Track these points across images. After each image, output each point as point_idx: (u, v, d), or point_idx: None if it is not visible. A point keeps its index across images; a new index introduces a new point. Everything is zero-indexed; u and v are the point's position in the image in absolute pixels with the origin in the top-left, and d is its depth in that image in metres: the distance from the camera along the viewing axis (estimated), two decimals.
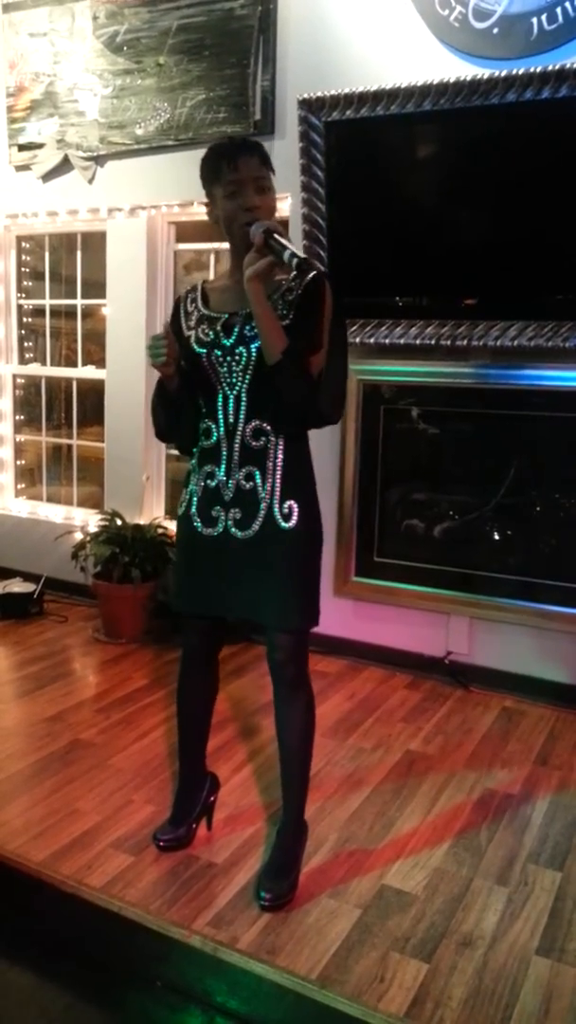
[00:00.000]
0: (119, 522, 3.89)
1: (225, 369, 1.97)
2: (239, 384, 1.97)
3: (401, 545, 3.45)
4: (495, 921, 2.00)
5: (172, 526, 4.01)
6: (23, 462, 4.74)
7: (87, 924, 2.05)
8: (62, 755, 2.71)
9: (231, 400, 1.99)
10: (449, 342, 3.16)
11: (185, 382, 2.03)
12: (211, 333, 1.99)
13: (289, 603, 1.99)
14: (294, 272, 1.88)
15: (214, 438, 2.02)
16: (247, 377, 1.96)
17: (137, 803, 2.44)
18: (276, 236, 1.83)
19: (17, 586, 4.10)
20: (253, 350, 1.93)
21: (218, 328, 1.98)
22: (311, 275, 1.93)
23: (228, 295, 2.02)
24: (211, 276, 3.97)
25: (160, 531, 3.88)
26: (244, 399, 1.97)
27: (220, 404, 2.00)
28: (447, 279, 3.20)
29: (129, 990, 1.96)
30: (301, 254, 1.82)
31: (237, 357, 1.96)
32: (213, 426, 2.02)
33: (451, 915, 2.01)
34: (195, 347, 2.00)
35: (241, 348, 1.95)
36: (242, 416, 1.98)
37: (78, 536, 3.97)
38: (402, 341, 3.22)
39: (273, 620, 2.02)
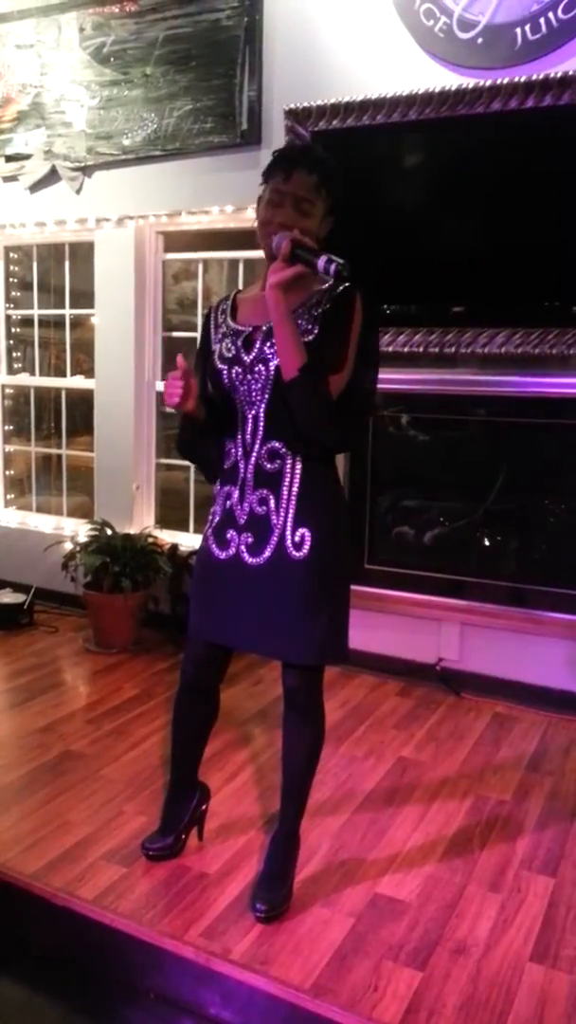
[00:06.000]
0: (109, 532, 3.88)
1: (245, 388, 1.90)
2: (258, 403, 1.89)
3: (392, 552, 3.46)
4: (488, 928, 2.00)
5: (162, 535, 4.02)
6: (12, 472, 4.73)
7: (79, 936, 2.04)
8: (53, 766, 2.70)
9: (249, 420, 1.91)
10: (437, 349, 3.18)
11: (212, 410, 1.96)
12: (232, 348, 1.91)
13: (297, 636, 1.90)
14: (331, 280, 1.76)
15: (233, 458, 1.96)
16: (266, 396, 1.88)
17: (129, 814, 2.43)
18: (304, 246, 1.77)
19: (7, 597, 4.08)
20: (272, 368, 1.85)
21: (239, 343, 1.91)
22: (341, 288, 1.85)
23: (255, 307, 1.94)
24: (199, 286, 3.99)
25: (150, 540, 3.87)
26: (262, 419, 1.90)
27: (240, 423, 1.93)
28: (435, 287, 3.21)
29: (122, 1002, 1.95)
30: (339, 259, 1.72)
31: (256, 375, 1.88)
32: (232, 446, 1.96)
33: (444, 922, 2.01)
34: (217, 363, 1.94)
35: (260, 366, 1.87)
36: (259, 437, 1.90)
37: (68, 546, 3.96)
38: (390, 349, 3.23)
39: (280, 653, 1.96)
